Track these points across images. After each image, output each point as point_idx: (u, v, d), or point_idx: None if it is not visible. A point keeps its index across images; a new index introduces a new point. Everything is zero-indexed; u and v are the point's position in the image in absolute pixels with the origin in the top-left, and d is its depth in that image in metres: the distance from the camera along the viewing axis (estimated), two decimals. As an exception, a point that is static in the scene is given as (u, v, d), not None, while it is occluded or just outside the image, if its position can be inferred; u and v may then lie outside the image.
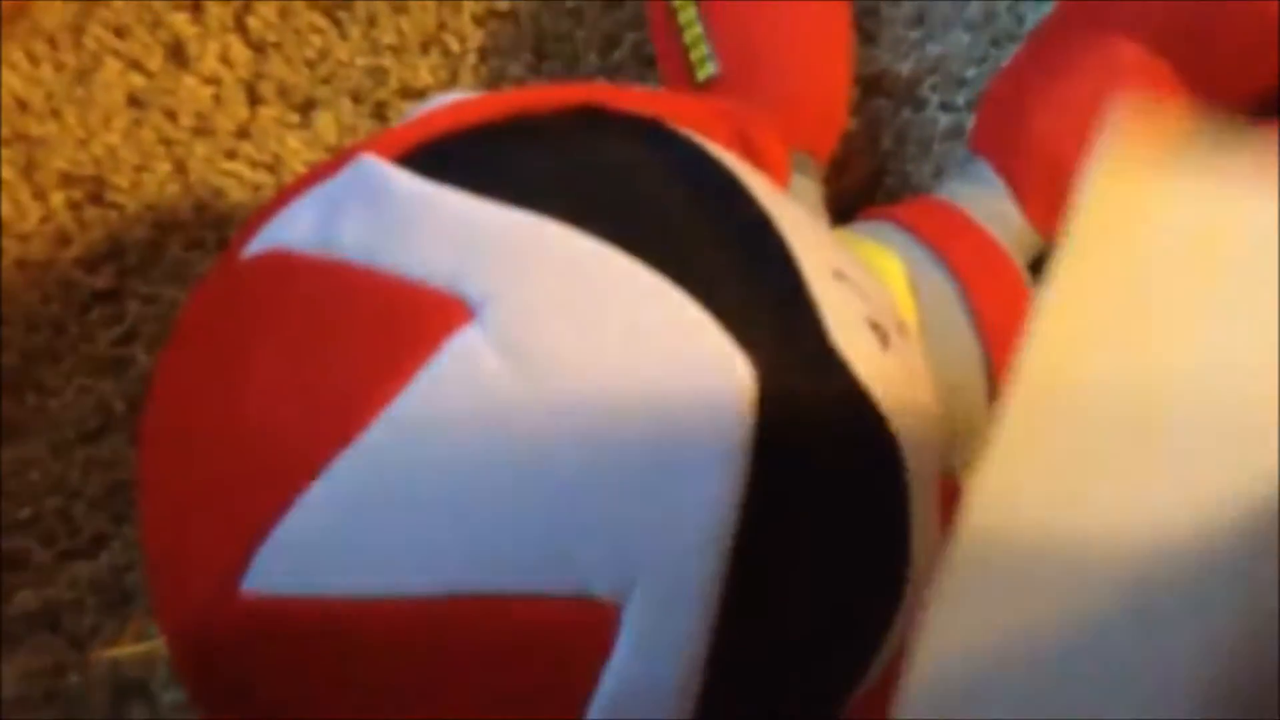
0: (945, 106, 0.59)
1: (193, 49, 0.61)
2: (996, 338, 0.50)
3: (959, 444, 0.48)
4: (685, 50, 0.55)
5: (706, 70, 0.54)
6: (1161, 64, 0.52)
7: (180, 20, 0.61)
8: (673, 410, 0.37)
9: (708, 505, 0.37)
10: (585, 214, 0.39)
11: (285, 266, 0.40)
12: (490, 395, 0.37)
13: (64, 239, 0.59)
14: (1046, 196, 0.52)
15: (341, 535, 0.37)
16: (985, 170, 0.53)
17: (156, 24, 0.61)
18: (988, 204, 0.53)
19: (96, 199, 0.59)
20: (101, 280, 0.59)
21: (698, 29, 0.54)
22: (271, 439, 0.38)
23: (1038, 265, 0.53)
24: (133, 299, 0.58)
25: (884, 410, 0.40)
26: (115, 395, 0.58)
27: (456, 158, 0.41)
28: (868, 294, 0.43)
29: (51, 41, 0.61)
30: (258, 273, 0.41)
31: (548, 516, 0.37)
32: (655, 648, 0.37)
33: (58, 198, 0.59)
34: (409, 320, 0.38)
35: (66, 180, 0.60)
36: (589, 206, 0.39)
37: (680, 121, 0.44)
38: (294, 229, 0.40)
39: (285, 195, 0.42)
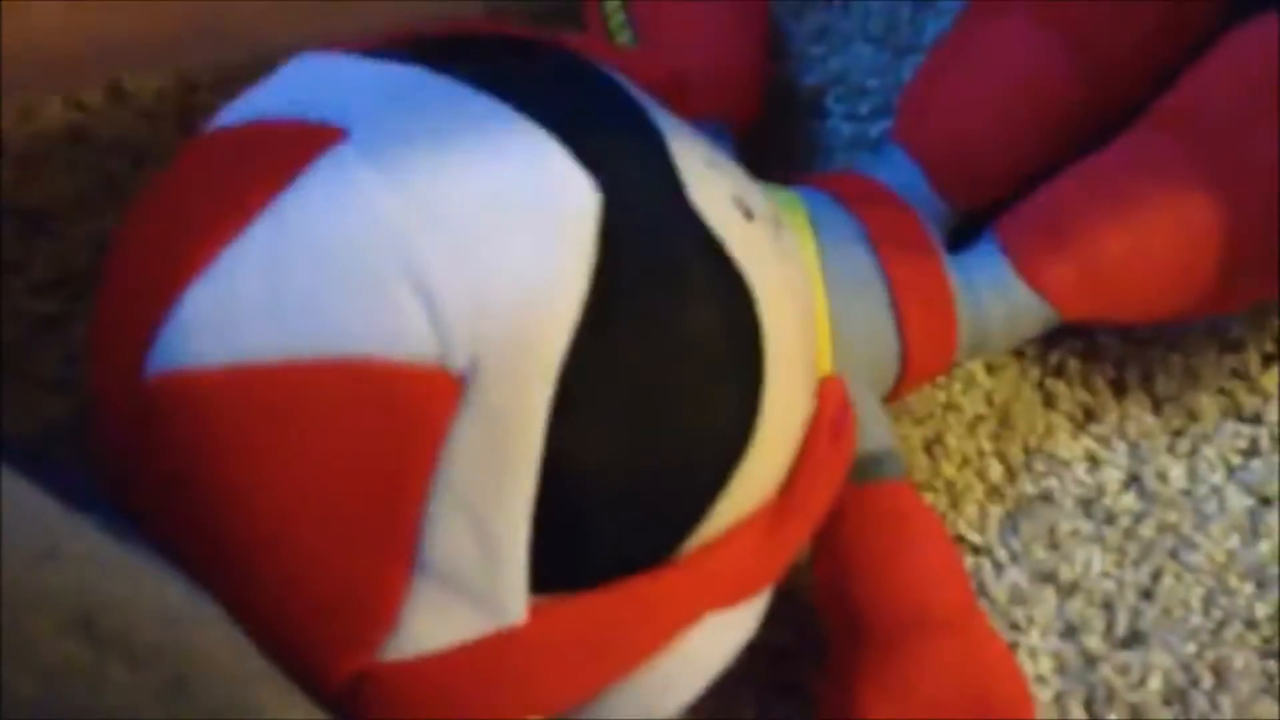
0: (849, 116, 0.63)
1: (130, 86, 0.63)
2: (897, 268, 0.53)
3: (861, 360, 0.51)
4: (610, 34, 0.58)
5: (624, 38, 0.58)
6: (1054, 42, 0.56)
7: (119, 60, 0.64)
8: (524, 207, 0.43)
9: (552, 293, 0.42)
10: (459, 70, 0.46)
11: (208, 139, 0.48)
12: (358, 193, 0.43)
13: (11, 267, 0.61)
14: (951, 170, 0.56)
15: (230, 313, 0.43)
16: (896, 152, 0.57)
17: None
18: (894, 175, 0.56)
19: (43, 230, 0.62)
20: (49, 305, 0.61)
21: (621, 15, 0.58)
22: (174, 240, 0.45)
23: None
24: (78, 323, 0.60)
25: (737, 264, 0.45)
26: (61, 412, 0.59)
27: (370, 51, 0.48)
28: (738, 182, 0.48)
29: None
30: (193, 148, 0.49)
31: (411, 292, 0.42)
32: (494, 414, 0.42)
33: (5, 229, 0.62)
34: (291, 141, 0.45)
35: (12, 212, 0.62)
36: (465, 66, 0.46)
37: (575, 45, 0.50)
38: (223, 115, 0.49)
39: None
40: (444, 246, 0.42)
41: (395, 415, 0.42)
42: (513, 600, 0.43)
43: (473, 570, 0.43)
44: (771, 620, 0.50)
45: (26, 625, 0.37)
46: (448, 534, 0.42)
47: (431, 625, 0.43)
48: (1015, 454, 0.58)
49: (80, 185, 0.62)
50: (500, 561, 0.43)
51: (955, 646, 0.52)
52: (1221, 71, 0.56)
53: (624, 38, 0.59)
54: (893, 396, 0.56)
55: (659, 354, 0.44)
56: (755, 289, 0.46)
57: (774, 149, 0.62)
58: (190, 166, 0.48)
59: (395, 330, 0.42)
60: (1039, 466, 0.58)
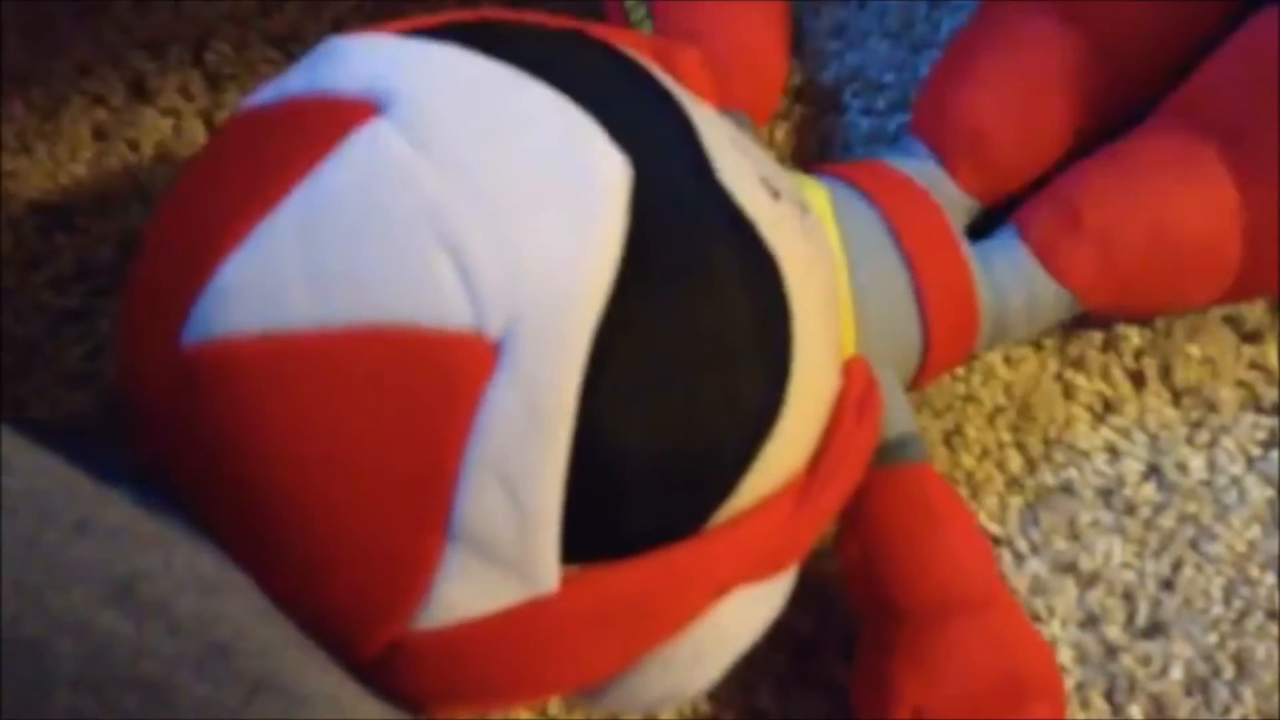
0: (866, 111, 0.63)
1: (153, 84, 0.64)
2: (918, 253, 0.54)
3: (884, 347, 0.52)
4: (625, 15, 0.59)
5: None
6: (1072, 33, 0.57)
7: (141, 58, 0.64)
8: (556, 180, 0.43)
9: (585, 263, 0.43)
10: (492, 51, 0.46)
11: (245, 117, 0.48)
12: (393, 165, 0.43)
13: (34, 263, 0.62)
14: (970, 160, 0.56)
15: (266, 282, 0.43)
16: (914, 144, 0.57)
17: (119, 62, 0.64)
18: (914, 166, 0.57)
19: (65, 225, 0.62)
20: (71, 300, 0.61)
21: (643, 9, 0.59)
22: (210, 213, 0.45)
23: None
24: (101, 317, 0.61)
25: (766, 241, 0.46)
26: (86, 407, 0.60)
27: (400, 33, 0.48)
28: (764, 163, 0.49)
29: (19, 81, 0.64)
30: (231, 125, 0.49)
31: (447, 259, 0.42)
32: (530, 382, 0.42)
33: (28, 225, 0.62)
34: (326, 117, 0.45)
35: (36, 209, 0.62)
36: (497, 48, 0.46)
37: (601, 33, 0.50)
38: (255, 96, 0.48)
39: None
40: (479, 216, 0.43)
41: (431, 382, 0.42)
42: (545, 569, 0.43)
43: (506, 538, 0.43)
44: (793, 607, 0.50)
45: (65, 597, 0.37)
46: (482, 502, 0.42)
47: (463, 594, 0.43)
48: (1035, 445, 0.58)
49: (104, 181, 0.63)
50: (533, 530, 0.43)
51: (985, 624, 0.52)
52: (1238, 60, 0.56)
53: (644, 30, 0.59)
54: (913, 385, 0.56)
55: (689, 326, 0.44)
56: (783, 266, 0.46)
57: (792, 143, 0.63)
58: (224, 144, 0.48)
59: (431, 298, 0.42)
60: (1059, 458, 0.58)
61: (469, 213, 0.43)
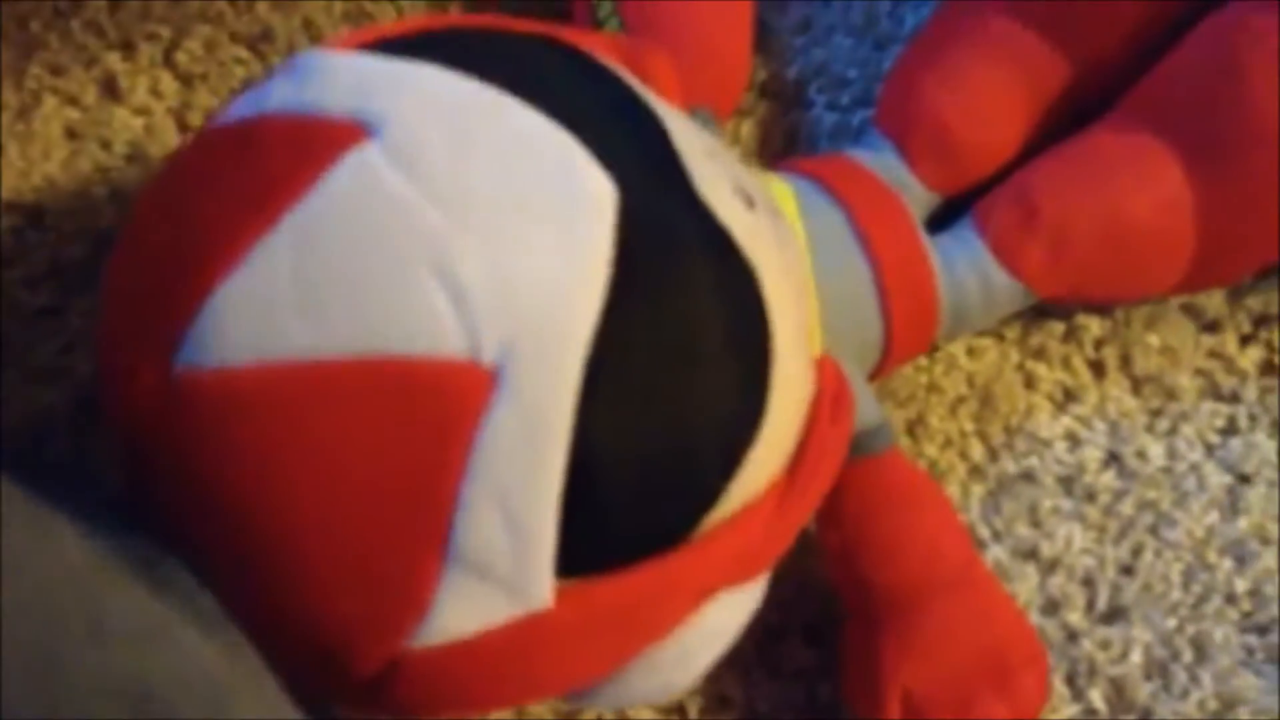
0: (830, 106, 0.64)
1: (125, 83, 0.64)
2: (880, 249, 0.55)
3: (848, 341, 0.53)
4: (598, 24, 0.59)
5: (612, 28, 0.60)
6: (1033, 30, 0.57)
7: (113, 58, 0.65)
8: (545, 203, 0.44)
9: (576, 286, 0.43)
10: (472, 68, 0.46)
11: (224, 130, 0.48)
12: (384, 194, 0.44)
13: (7, 261, 0.62)
14: (931, 154, 0.57)
15: (260, 312, 0.44)
16: (877, 138, 0.58)
17: (91, 62, 0.65)
18: (875, 160, 0.58)
19: (37, 224, 0.63)
20: (43, 298, 0.62)
21: (609, 6, 0.59)
22: (197, 237, 0.45)
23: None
24: (73, 314, 0.61)
25: (743, 252, 0.46)
26: (57, 402, 0.60)
27: (375, 46, 0.48)
28: (737, 171, 0.49)
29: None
30: (209, 138, 0.49)
31: (440, 288, 0.43)
32: (528, 405, 0.43)
33: (1, 224, 0.63)
34: (314, 140, 0.45)
35: (9, 208, 0.63)
36: (476, 64, 0.46)
37: (571, 39, 0.51)
38: (233, 109, 0.48)
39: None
40: (471, 243, 0.43)
41: (428, 411, 0.43)
42: (540, 586, 0.44)
43: (502, 558, 0.44)
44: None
45: (82, 711, 0.37)
46: (480, 525, 0.43)
47: (461, 612, 0.44)
48: (996, 434, 0.59)
49: (76, 181, 0.63)
50: (529, 549, 0.44)
51: (966, 601, 0.53)
52: (1191, 58, 0.57)
53: (612, 27, 0.59)
54: (874, 376, 0.57)
55: (674, 341, 0.45)
56: (761, 276, 0.47)
57: (757, 138, 0.63)
58: (208, 157, 0.48)
59: (426, 327, 0.43)
60: (1020, 446, 0.59)
61: (461, 240, 0.43)
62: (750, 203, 0.48)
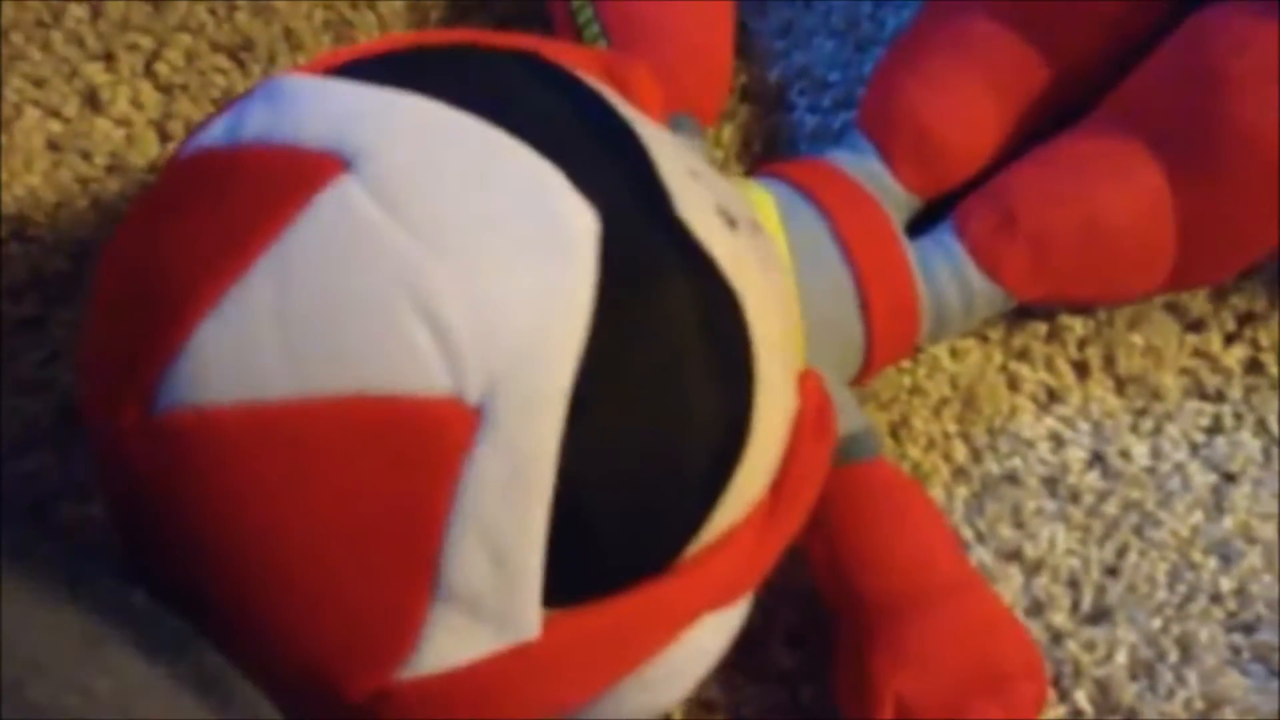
0: (812, 109, 0.64)
1: (106, 95, 0.64)
2: (861, 255, 0.55)
3: (829, 349, 0.53)
4: (577, 29, 0.59)
5: (592, 33, 0.59)
6: (1014, 33, 0.57)
7: (94, 70, 0.65)
8: (526, 236, 0.44)
9: (559, 319, 0.43)
10: (452, 94, 0.46)
11: (199, 159, 0.47)
12: (364, 230, 0.43)
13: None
14: (913, 157, 0.57)
15: (241, 351, 0.43)
16: (859, 140, 0.58)
17: (72, 74, 0.65)
18: (856, 163, 0.58)
19: (19, 235, 0.63)
20: (26, 309, 0.62)
21: (589, 11, 0.59)
22: (175, 274, 0.45)
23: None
24: (55, 325, 0.61)
25: (725, 275, 0.46)
26: (41, 413, 0.60)
27: (352, 69, 0.48)
28: (720, 190, 0.49)
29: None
30: (184, 167, 0.48)
31: (423, 326, 0.43)
32: (512, 441, 0.42)
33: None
34: (292, 175, 0.44)
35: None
36: (456, 89, 0.46)
37: (552, 54, 0.50)
38: (209, 132, 0.47)
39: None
40: (452, 279, 0.43)
41: (414, 449, 0.43)
42: (527, 618, 0.44)
43: (490, 593, 0.43)
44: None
45: None
46: (467, 562, 0.43)
47: (449, 645, 0.44)
48: (980, 436, 0.59)
49: (57, 192, 0.63)
50: (516, 582, 0.44)
51: (958, 608, 0.53)
52: (1170, 61, 0.57)
53: (591, 33, 0.59)
54: (856, 382, 0.56)
55: (656, 371, 0.45)
56: (743, 299, 0.46)
57: (739, 141, 0.63)
58: (183, 186, 0.48)
59: (410, 367, 0.43)
60: (1003, 447, 0.59)
61: (442, 276, 0.43)
62: (732, 223, 0.48)
